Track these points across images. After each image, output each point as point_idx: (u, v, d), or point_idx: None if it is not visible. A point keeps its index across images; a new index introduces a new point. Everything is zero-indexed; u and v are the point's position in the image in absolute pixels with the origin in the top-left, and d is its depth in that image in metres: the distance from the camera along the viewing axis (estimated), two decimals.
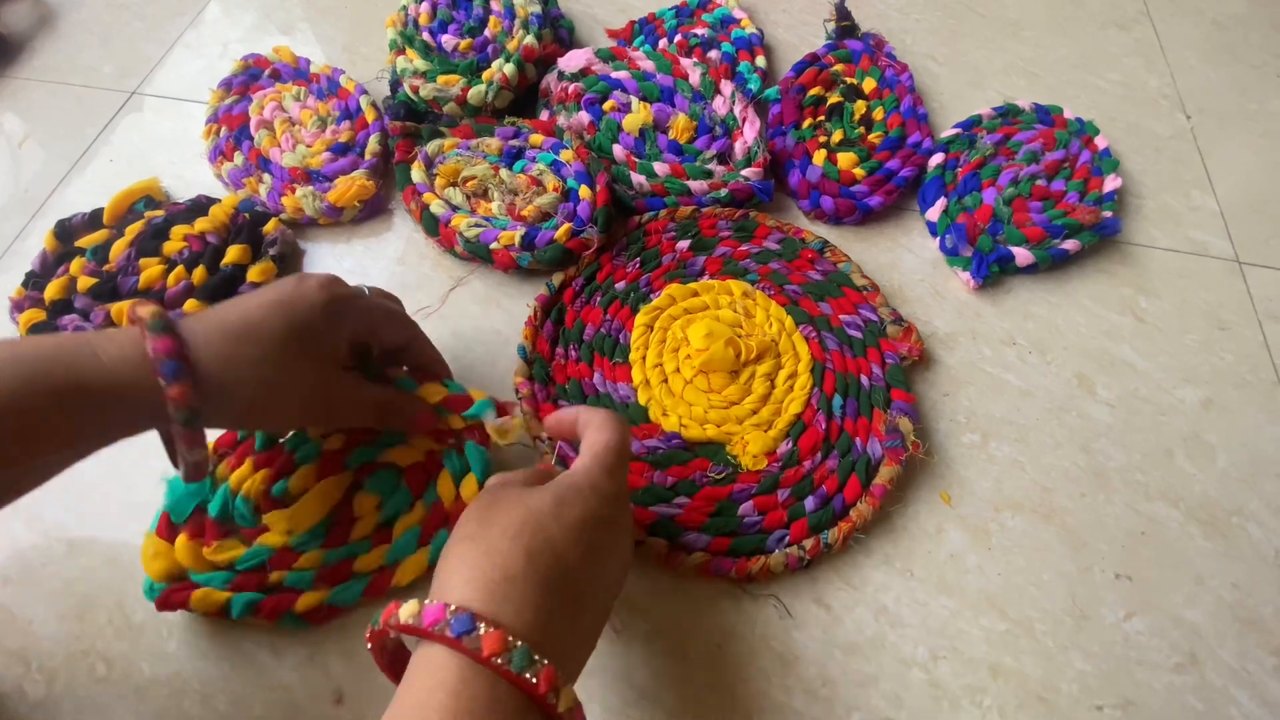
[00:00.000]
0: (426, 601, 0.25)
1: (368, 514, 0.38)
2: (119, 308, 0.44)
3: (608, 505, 0.30)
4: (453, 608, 0.24)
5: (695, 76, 0.54)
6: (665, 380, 0.43)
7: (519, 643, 0.24)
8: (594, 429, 0.32)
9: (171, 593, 0.36)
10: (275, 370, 0.31)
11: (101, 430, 0.29)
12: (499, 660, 0.24)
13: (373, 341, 0.36)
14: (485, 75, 0.53)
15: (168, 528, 0.37)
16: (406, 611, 0.25)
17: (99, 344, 0.28)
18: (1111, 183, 0.53)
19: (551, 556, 0.27)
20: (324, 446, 0.40)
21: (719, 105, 0.53)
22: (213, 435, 0.39)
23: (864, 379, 0.43)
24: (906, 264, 0.51)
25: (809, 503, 0.39)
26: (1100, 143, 0.55)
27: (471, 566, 0.27)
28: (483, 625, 0.24)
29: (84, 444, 0.30)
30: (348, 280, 0.36)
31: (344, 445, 0.40)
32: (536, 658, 0.24)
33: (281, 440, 0.40)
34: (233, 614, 0.36)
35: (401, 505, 0.39)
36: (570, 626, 0.27)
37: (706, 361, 0.42)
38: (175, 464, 0.32)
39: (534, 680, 0.24)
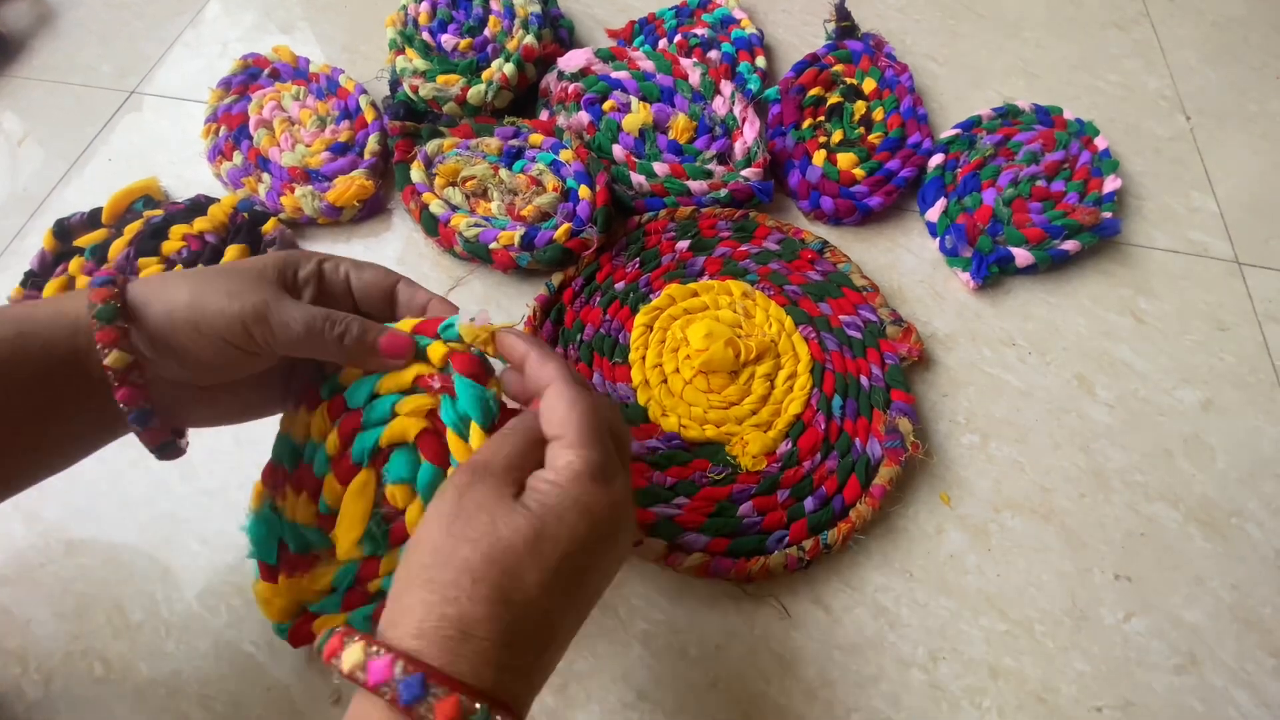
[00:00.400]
0: (371, 650, 0.22)
1: (408, 502, 0.35)
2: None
3: (601, 525, 0.25)
4: (401, 667, 0.21)
5: (695, 77, 0.54)
6: (665, 380, 0.43)
7: (476, 706, 0.21)
8: (559, 405, 0.26)
9: (299, 628, 0.34)
10: (203, 312, 0.28)
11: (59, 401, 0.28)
12: None
13: (351, 284, 0.32)
14: (485, 75, 0.53)
15: (268, 571, 0.35)
16: (350, 660, 0.22)
17: (67, 307, 0.28)
18: (1111, 184, 0.53)
19: (523, 605, 0.23)
20: (327, 451, 0.36)
21: (719, 105, 0.53)
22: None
23: (864, 379, 0.43)
24: (906, 264, 0.51)
25: (808, 503, 0.39)
26: (1100, 143, 0.55)
27: (425, 612, 0.23)
28: (437, 692, 0.21)
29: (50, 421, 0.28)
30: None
31: (340, 446, 0.36)
32: (496, 718, 0.21)
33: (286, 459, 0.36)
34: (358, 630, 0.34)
35: (433, 480, 0.34)
36: (535, 666, 0.24)
37: (706, 362, 0.42)
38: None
39: None
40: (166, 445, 0.31)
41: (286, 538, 0.35)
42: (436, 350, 0.32)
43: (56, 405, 0.28)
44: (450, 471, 0.32)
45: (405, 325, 0.32)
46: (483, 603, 0.23)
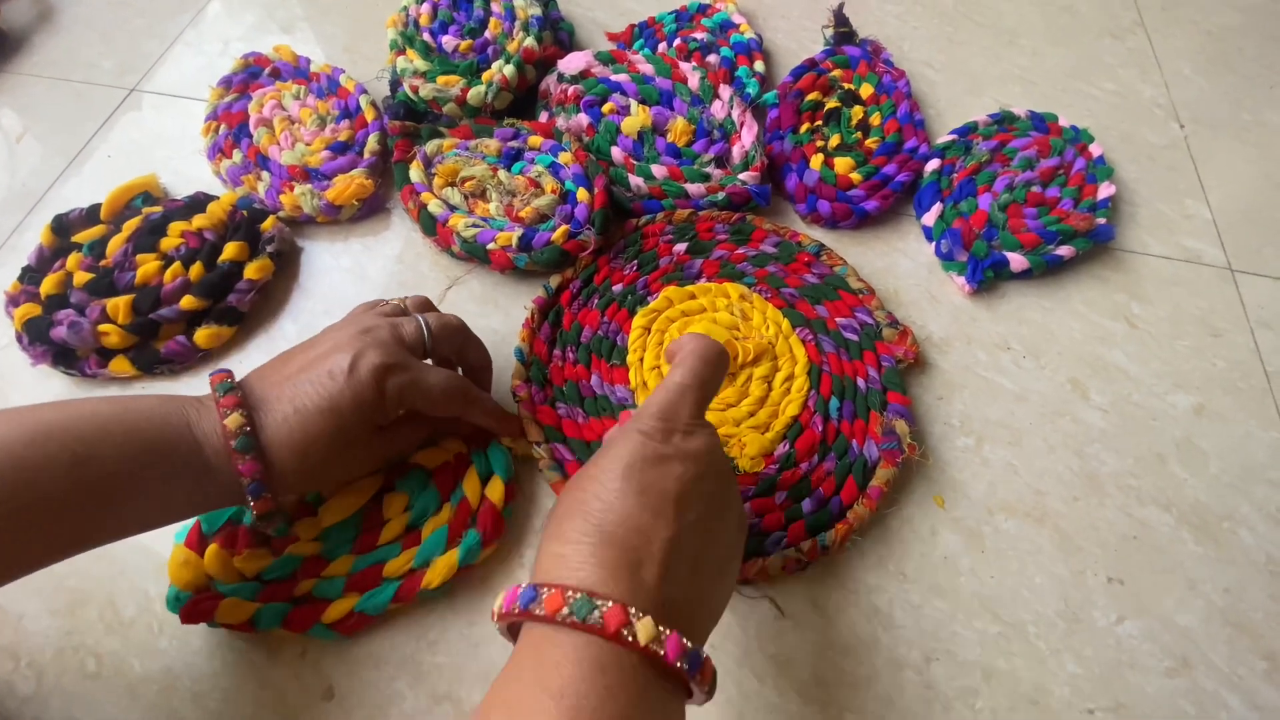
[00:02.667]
0: (661, 630, 0.24)
1: (396, 515, 0.38)
2: (114, 303, 0.44)
3: (651, 444, 0.28)
4: (691, 647, 0.24)
5: (694, 80, 0.54)
6: None
7: (638, 611, 0.24)
8: (674, 365, 0.32)
9: (197, 603, 0.35)
10: (328, 471, 0.34)
11: (186, 494, 0.31)
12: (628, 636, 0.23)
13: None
14: (485, 76, 0.54)
15: (198, 538, 0.36)
16: (646, 634, 0.24)
17: (195, 421, 0.31)
18: (1105, 190, 0.53)
19: (597, 505, 0.26)
20: None
21: (717, 109, 0.53)
22: None
23: (860, 382, 0.43)
24: (902, 268, 0.51)
25: (806, 505, 0.39)
26: (1095, 150, 0.55)
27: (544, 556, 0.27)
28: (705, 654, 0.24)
29: (169, 507, 0.32)
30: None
31: None
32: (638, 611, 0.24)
33: None
34: (260, 626, 0.35)
35: (430, 506, 0.38)
36: (656, 573, 0.26)
37: None
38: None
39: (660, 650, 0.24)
40: (272, 514, 0.33)
41: (249, 512, 0.36)
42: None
43: (167, 479, 0.31)
44: (446, 505, 0.39)
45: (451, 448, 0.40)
46: (575, 519, 0.27)
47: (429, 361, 0.38)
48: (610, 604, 0.23)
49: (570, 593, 0.24)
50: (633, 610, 0.24)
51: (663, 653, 0.23)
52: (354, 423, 0.33)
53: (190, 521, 0.37)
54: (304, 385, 0.32)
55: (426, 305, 0.40)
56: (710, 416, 0.42)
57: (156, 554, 0.39)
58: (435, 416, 0.37)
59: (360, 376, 0.32)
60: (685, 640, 0.24)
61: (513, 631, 0.27)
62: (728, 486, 0.30)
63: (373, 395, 0.33)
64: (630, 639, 0.23)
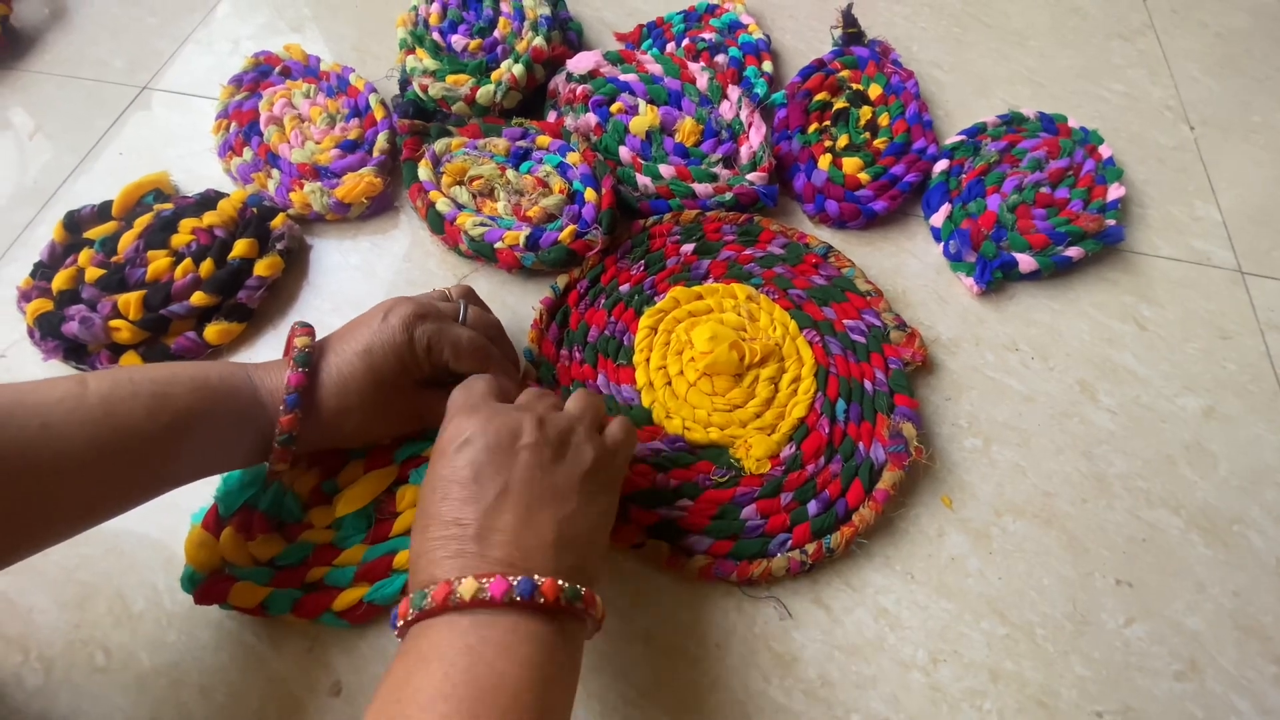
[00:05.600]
0: (484, 580, 0.27)
1: (409, 508, 0.38)
2: (126, 299, 0.44)
3: (435, 453, 0.32)
4: (516, 580, 0.27)
5: (703, 81, 0.54)
6: (669, 383, 0.44)
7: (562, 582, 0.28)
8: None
9: (211, 585, 0.36)
10: (365, 414, 0.36)
11: (245, 437, 0.35)
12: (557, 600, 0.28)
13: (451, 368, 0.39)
14: (494, 75, 0.54)
15: (215, 521, 0.37)
16: (469, 589, 0.27)
17: (260, 378, 0.35)
18: (1115, 191, 0.53)
19: (422, 518, 0.31)
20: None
21: (725, 109, 0.53)
22: None
23: (867, 384, 0.43)
24: (910, 269, 0.51)
25: (812, 507, 0.39)
26: (1104, 151, 0.55)
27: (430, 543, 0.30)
28: (537, 579, 0.28)
29: (231, 450, 0.35)
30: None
31: (392, 441, 0.40)
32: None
33: None
34: (271, 611, 0.36)
35: None
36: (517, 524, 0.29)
37: (711, 364, 0.42)
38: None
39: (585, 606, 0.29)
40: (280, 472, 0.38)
41: (265, 498, 0.38)
42: None
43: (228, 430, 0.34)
44: None
45: None
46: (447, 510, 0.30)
47: None
48: (435, 585, 0.27)
49: (412, 595, 0.28)
50: (455, 579, 0.27)
51: (488, 596, 0.27)
52: (387, 367, 0.36)
53: (208, 504, 0.37)
54: (346, 336, 0.37)
55: (470, 294, 0.42)
56: (716, 418, 0.42)
57: (165, 548, 0.40)
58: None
59: (391, 322, 0.36)
60: (510, 578, 0.27)
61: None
62: (500, 428, 0.32)
63: (403, 338, 0.36)
64: (458, 601, 0.27)
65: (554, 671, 0.27)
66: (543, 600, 0.27)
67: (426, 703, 0.25)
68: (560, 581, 0.28)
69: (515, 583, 0.27)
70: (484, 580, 0.27)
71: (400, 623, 0.28)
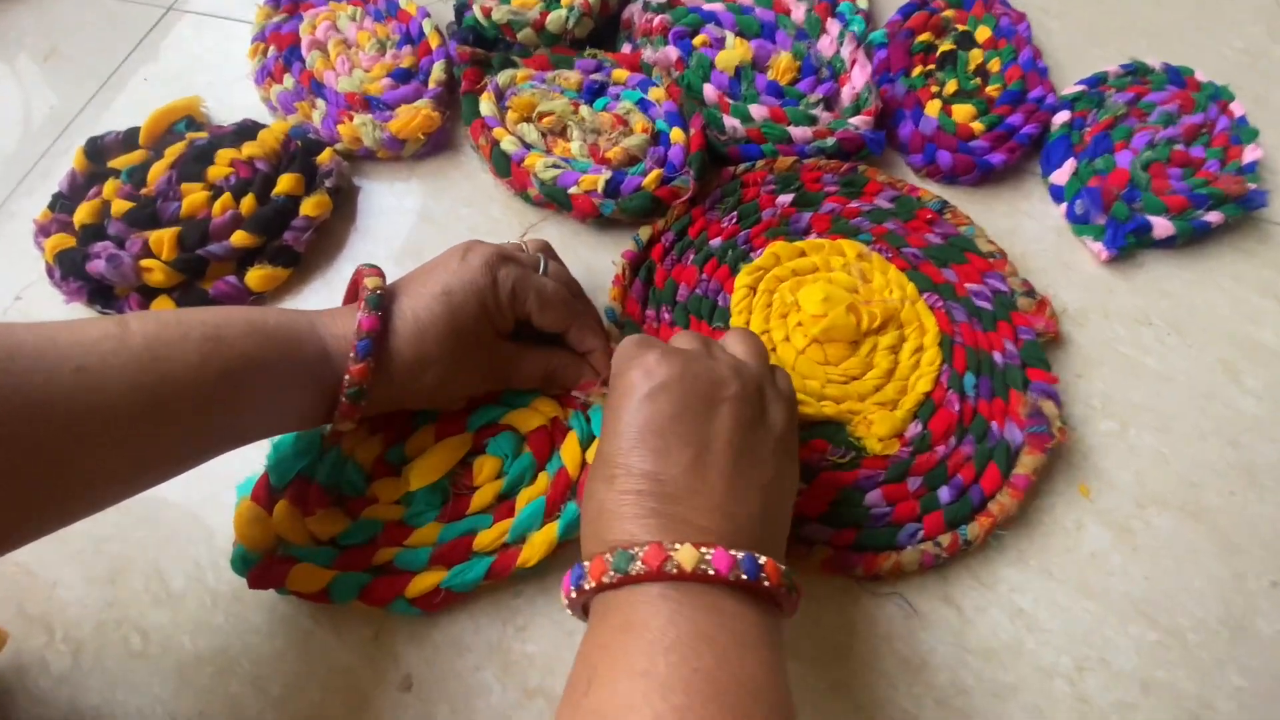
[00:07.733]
0: (704, 550, 0.23)
1: (488, 481, 0.34)
2: (158, 236, 0.39)
3: (637, 392, 0.27)
4: (741, 555, 0.24)
5: (799, 12, 0.48)
6: (774, 349, 0.39)
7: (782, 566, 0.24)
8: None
9: (267, 567, 0.31)
10: (444, 366, 0.32)
11: (311, 388, 0.30)
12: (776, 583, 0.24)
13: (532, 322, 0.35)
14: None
15: (265, 492, 0.32)
16: (689, 559, 0.23)
17: (325, 324, 0.31)
18: (1251, 153, 0.48)
19: (606, 469, 0.26)
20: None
21: (825, 45, 0.48)
22: None
23: (997, 355, 0.38)
24: (1027, 231, 0.46)
25: (944, 493, 0.34)
26: (1236, 109, 0.50)
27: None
28: (760, 558, 0.24)
29: (295, 403, 0.30)
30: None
31: (465, 405, 0.36)
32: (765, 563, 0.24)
33: None
34: (335, 598, 0.31)
35: (524, 473, 0.34)
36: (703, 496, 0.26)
37: (825, 330, 0.37)
38: None
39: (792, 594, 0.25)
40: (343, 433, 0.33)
41: (323, 467, 0.33)
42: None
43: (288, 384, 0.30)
44: (543, 474, 0.34)
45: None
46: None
47: None
48: (641, 547, 0.23)
49: (608, 554, 0.24)
50: (668, 544, 0.23)
51: (712, 571, 0.23)
52: (468, 312, 0.32)
53: (252, 473, 0.33)
54: (420, 278, 0.33)
55: (548, 250, 0.38)
56: (831, 390, 0.37)
57: (204, 521, 0.35)
58: (548, 359, 0.36)
59: (472, 262, 0.32)
60: (734, 552, 0.23)
61: (588, 612, 0.26)
62: (701, 374, 0.27)
63: (486, 280, 0.32)
64: (676, 569, 0.23)
65: (780, 665, 0.23)
66: (767, 583, 0.23)
67: (673, 689, 0.21)
68: (780, 565, 0.24)
69: (740, 558, 0.23)
70: (705, 551, 0.23)
71: (590, 584, 0.24)
